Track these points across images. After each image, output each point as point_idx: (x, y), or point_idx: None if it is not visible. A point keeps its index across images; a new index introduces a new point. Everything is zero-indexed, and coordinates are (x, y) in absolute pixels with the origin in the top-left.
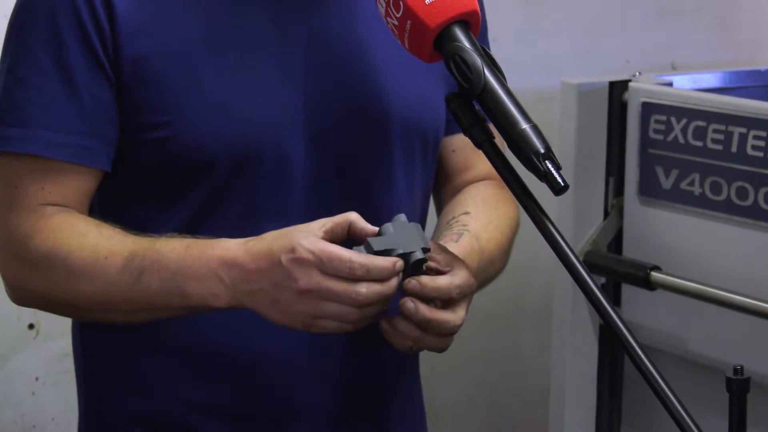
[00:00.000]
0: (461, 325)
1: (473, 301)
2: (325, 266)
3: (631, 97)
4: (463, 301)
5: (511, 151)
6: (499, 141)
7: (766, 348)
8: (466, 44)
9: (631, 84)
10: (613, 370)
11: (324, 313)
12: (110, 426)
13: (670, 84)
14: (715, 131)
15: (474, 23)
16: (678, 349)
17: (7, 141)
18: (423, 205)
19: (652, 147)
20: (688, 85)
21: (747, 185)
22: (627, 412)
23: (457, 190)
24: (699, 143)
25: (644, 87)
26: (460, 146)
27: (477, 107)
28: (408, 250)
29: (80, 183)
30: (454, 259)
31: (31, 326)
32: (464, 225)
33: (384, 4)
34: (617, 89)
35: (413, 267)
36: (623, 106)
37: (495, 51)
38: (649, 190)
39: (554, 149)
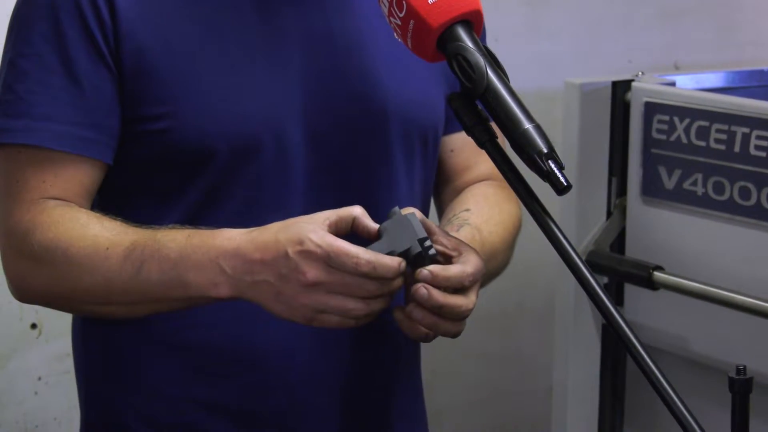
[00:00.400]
0: (473, 309)
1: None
2: (332, 261)
3: (634, 97)
4: (475, 285)
5: (513, 151)
6: (502, 141)
7: None
8: (469, 44)
9: (634, 84)
10: (615, 370)
11: (328, 306)
12: (113, 426)
13: (673, 84)
14: (718, 131)
15: (477, 23)
16: (681, 349)
17: (9, 132)
18: (424, 203)
19: (655, 147)
20: (691, 85)
21: (750, 185)
22: (629, 412)
23: (458, 191)
24: (702, 143)
25: (647, 87)
26: (459, 146)
27: (480, 107)
28: (405, 247)
29: (82, 175)
30: (460, 243)
31: (33, 326)
32: (465, 220)
33: (387, 4)
34: (620, 89)
35: (415, 260)
36: (626, 106)
37: (497, 51)
38: (652, 189)
39: (557, 149)
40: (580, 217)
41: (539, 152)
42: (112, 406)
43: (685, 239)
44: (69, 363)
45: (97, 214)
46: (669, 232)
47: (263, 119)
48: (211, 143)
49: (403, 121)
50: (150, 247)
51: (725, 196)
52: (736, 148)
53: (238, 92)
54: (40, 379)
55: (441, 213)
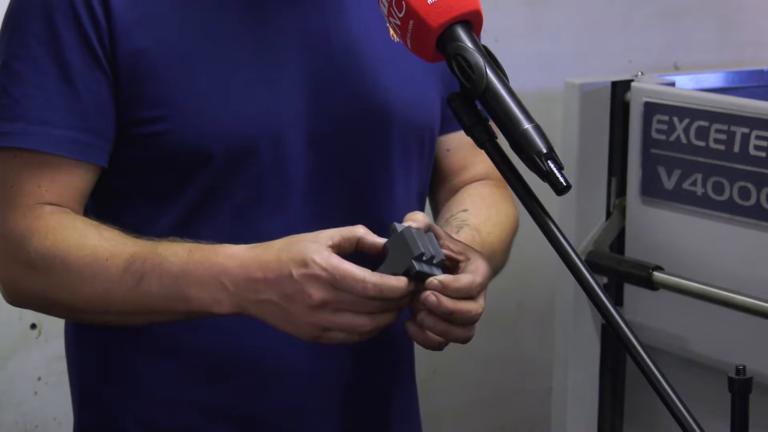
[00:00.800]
0: (482, 312)
1: None
2: (338, 284)
3: (634, 97)
4: (483, 290)
5: (513, 151)
6: (501, 141)
7: None
8: (469, 44)
9: (633, 84)
10: (615, 371)
11: (335, 324)
12: (110, 430)
13: (673, 84)
14: (717, 131)
15: (476, 23)
16: (680, 350)
17: (5, 136)
18: (420, 203)
19: (655, 147)
20: (690, 85)
21: (749, 185)
22: (629, 412)
23: (455, 190)
24: (701, 143)
25: (647, 87)
26: (455, 146)
27: (479, 107)
28: (404, 269)
29: (77, 179)
30: (467, 248)
31: (33, 326)
32: (463, 220)
33: (386, 4)
34: (620, 89)
35: (418, 276)
36: (626, 106)
37: (497, 51)
38: (652, 190)
39: (556, 149)
40: (579, 217)
41: (539, 152)
42: (108, 411)
43: (684, 239)
44: None
45: (94, 222)
46: (668, 232)
47: (261, 120)
48: (208, 145)
49: (401, 122)
50: (151, 261)
51: (725, 197)
52: (736, 149)
53: (236, 94)
54: (39, 379)
55: (436, 212)
